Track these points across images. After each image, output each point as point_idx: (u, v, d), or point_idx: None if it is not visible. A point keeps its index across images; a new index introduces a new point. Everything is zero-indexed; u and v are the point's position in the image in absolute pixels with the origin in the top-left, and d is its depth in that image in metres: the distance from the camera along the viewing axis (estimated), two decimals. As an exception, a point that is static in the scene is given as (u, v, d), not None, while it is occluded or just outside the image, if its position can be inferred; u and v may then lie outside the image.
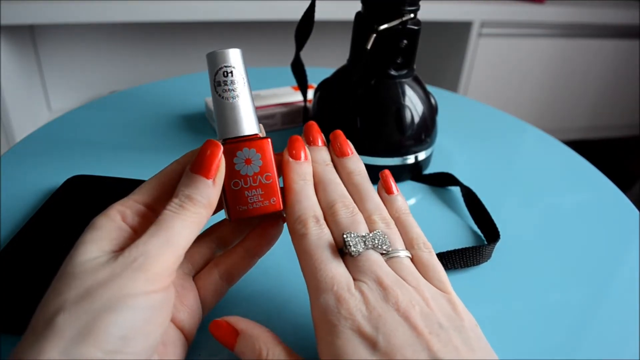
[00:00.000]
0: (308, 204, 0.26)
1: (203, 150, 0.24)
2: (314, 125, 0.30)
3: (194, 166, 0.23)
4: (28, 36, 1.30)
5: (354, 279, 0.24)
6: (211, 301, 0.26)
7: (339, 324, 0.22)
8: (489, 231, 0.38)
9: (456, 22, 1.46)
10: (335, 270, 0.24)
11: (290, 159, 0.27)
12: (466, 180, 0.44)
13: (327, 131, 0.44)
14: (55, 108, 1.44)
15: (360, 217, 0.27)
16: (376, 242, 0.25)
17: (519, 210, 0.40)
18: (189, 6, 1.17)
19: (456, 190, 0.45)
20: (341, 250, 0.25)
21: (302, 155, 0.28)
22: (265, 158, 0.25)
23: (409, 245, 0.27)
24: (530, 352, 0.29)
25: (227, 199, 0.25)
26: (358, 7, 0.43)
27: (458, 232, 0.39)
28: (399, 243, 0.27)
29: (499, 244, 0.37)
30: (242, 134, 0.25)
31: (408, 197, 0.43)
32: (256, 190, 0.25)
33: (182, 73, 1.38)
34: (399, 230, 0.28)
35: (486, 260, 0.36)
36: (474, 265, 0.35)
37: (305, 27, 0.45)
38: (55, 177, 0.41)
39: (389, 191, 0.30)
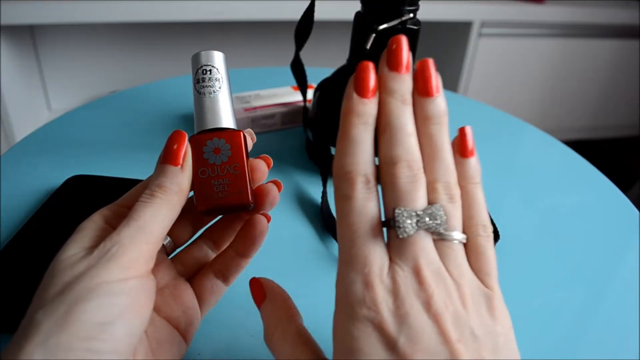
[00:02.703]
0: (362, 158, 0.22)
1: (169, 140, 0.24)
2: (401, 48, 0.23)
3: (162, 156, 0.24)
4: (28, 36, 1.30)
5: (391, 260, 0.21)
6: (209, 300, 0.26)
7: (360, 312, 0.20)
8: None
9: (456, 22, 1.46)
10: (372, 250, 0.21)
11: (354, 94, 0.23)
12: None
13: (327, 131, 0.44)
14: (55, 108, 1.44)
15: (422, 184, 0.22)
16: (431, 221, 0.22)
17: (519, 210, 0.40)
18: (189, 6, 1.17)
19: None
20: (388, 222, 0.22)
21: (370, 90, 0.23)
22: (234, 149, 0.26)
23: (466, 224, 0.23)
24: (530, 352, 0.29)
25: (195, 187, 0.25)
26: (358, 7, 0.43)
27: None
28: (456, 222, 0.23)
29: (498, 244, 0.37)
30: (214, 126, 0.26)
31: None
32: (223, 180, 0.25)
33: (182, 73, 1.38)
34: (462, 203, 0.24)
35: None
36: None
37: (305, 27, 0.45)
38: (55, 177, 0.41)
39: (463, 153, 0.24)
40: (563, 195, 0.46)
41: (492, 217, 0.38)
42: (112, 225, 0.23)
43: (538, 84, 1.66)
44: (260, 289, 0.25)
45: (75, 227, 0.23)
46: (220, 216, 0.28)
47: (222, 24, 1.45)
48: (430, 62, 0.23)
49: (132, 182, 0.38)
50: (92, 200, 0.38)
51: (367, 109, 0.23)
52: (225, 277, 0.27)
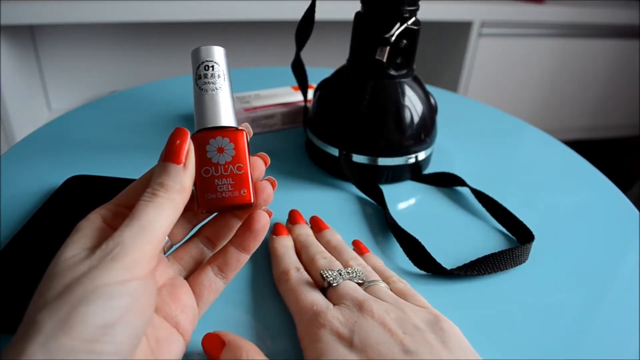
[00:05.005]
0: (290, 260, 0.32)
1: (171, 137, 0.24)
2: (296, 212, 0.38)
3: (164, 154, 0.24)
4: (28, 36, 1.30)
5: (334, 304, 0.27)
6: (207, 298, 0.26)
7: (318, 330, 0.25)
8: (518, 231, 0.38)
9: (456, 22, 1.46)
10: (315, 296, 0.28)
11: (274, 235, 0.34)
12: (466, 180, 0.44)
13: (327, 131, 0.44)
14: (55, 108, 1.44)
15: (337, 263, 0.31)
16: (352, 274, 0.29)
17: (519, 210, 0.40)
18: (189, 6, 1.17)
19: (456, 190, 0.45)
20: (322, 289, 0.29)
21: (284, 233, 0.35)
22: (238, 149, 0.25)
23: (385, 281, 0.30)
24: (530, 353, 0.29)
25: (197, 186, 0.25)
26: (358, 7, 0.43)
27: (457, 232, 0.39)
28: (375, 276, 0.30)
29: (495, 245, 0.37)
30: (217, 125, 0.26)
31: (407, 197, 0.43)
32: (226, 180, 0.25)
33: (181, 73, 1.38)
34: (376, 271, 0.32)
35: (523, 262, 0.35)
36: (509, 268, 0.35)
37: (306, 27, 0.45)
38: (55, 177, 0.41)
39: (361, 252, 0.34)
40: (563, 195, 0.46)
41: (522, 220, 0.38)
42: (110, 224, 0.23)
43: (538, 84, 1.66)
44: (218, 340, 0.25)
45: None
46: (215, 214, 0.28)
47: (222, 24, 1.44)
48: (317, 217, 0.37)
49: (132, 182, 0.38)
50: (92, 200, 0.37)
51: (284, 240, 0.34)
52: (224, 273, 0.27)
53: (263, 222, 0.27)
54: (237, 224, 0.28)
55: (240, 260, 0.27)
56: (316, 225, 0.37)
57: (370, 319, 0.25)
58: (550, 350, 0.29)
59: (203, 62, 0.26)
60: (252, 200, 0.26)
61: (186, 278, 0.27)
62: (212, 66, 0.26)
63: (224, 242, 0.28)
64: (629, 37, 1.66)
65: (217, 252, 0.27)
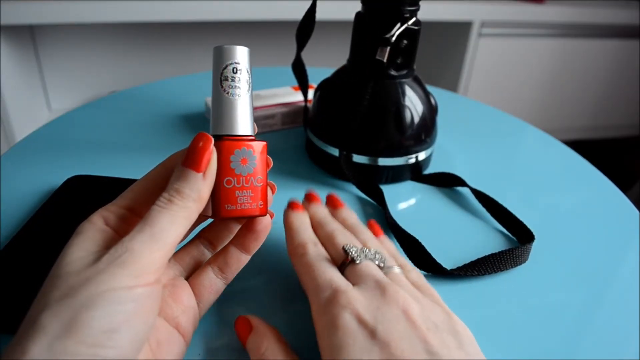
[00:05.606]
0: (307, 234, 0.30)
1: (194, 143, 0.23)
2: (313, 192, 0.36)
3: (185, 159, 0.23)
4: (28, 36, 1.31)
5: (353, 284, 0.25)
6: (208, 299, 0.26)
7: (338, 312, 0.23)
8: (518, 231, 0.38)
9: (456, 22, 1.46)
10: (333, 274, 0.26)
11: (291, 210, 0.32)
12: (466, 180, 0.44)
13: (327, 131, 0.44)
14: (55, 108, 1.44)
15: (357, 241, 0.30)
16: (374, 255, 0.28)
17: (519, 210, 0.40)
18: (189, 6, 1.17)
19: (456, 190, 0.45)
20: (340, 265, 0.27)
21: (300, 208, 0.33)
22: (260, 161, 0.25)
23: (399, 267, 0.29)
24: (530, 353, 0.29)
25: (217, 196, 0.24)
26: (358, 7, 0.43)
27: (457, 232, 0.39)
28: (392, 262, 0.29)
29: (495, 245, 0.37)
30: (241, 133, 0.25)
31: (407, 197, 0.43)
32: (247, 192, 0.25)
33: (182, 73, 1.38)
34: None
35: (523, 263, 0.35)
36: (509, 268, 0.35)
37: (307, 27, 0.45)
38: (55, 177, 0.41)
39: (376, 234, 0.33)
40: (563, 195, 0.46)
41: (522, 220, 0.38)
42: (113, 227, 0.23)
43: (538, 84, 1.66)
44: (246, 324, 0.26)
45: (75, 227, 0.23)
46: None
47: (222, 24, 1.44)
48: (333, 194, 0.36)
49: (132, 182, 0.38)
50: (92, 201, 0.38)
51: (300, 215, 0.32)
52: (224, 274, 0.27)
53: (265, 223, 0.27)
54: (237, 227, 0.28)
55: (241, 260, 0.27)
56: (332, 203, 0.35)
57: (395, 307, 0.23)
58: (550, 350, 0.29)
59: (231, 63, 0.24)
60: (267, 212, 0.26)
61: (186, 279, 0.27)
62: (241, 69, 0.24)
63: (224, 244, 0.28)
64: (629, 37, 1.66)
65: (218, 253, 0.27)
